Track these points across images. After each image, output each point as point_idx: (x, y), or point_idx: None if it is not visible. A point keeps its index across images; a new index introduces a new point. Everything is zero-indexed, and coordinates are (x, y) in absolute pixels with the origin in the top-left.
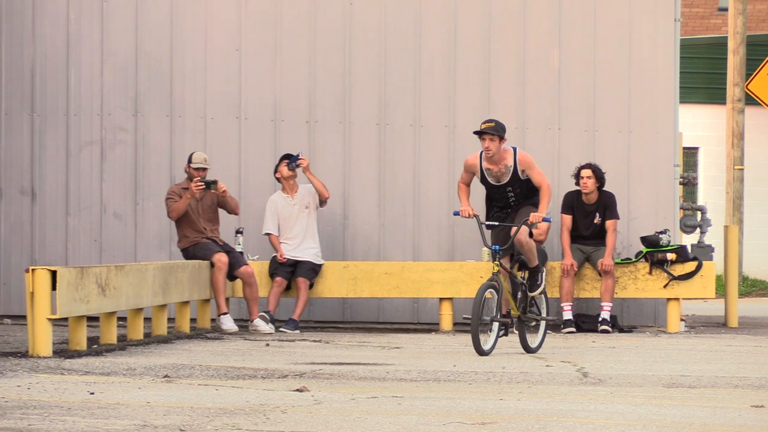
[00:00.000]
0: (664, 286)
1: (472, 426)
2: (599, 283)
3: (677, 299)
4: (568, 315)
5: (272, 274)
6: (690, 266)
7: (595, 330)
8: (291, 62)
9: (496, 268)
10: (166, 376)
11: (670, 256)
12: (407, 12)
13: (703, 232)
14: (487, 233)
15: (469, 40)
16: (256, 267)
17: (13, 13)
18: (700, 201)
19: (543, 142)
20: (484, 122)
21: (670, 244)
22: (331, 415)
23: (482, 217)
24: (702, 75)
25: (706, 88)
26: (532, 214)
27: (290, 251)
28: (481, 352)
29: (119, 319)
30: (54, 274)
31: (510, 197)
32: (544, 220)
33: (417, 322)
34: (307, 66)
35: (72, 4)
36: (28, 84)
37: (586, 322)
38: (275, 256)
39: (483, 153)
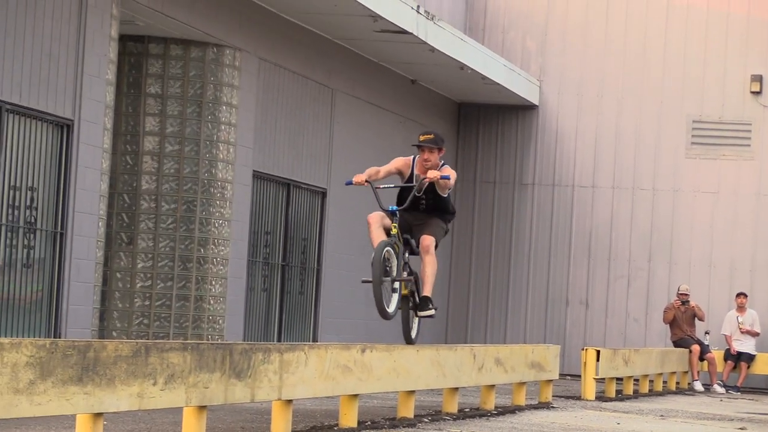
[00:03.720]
0: None
1: None
2: None
3: None
4: None
5: (726, 359)
6: None
7: None
8: (745, 230)
9: (395, 231)
10: (661, 415)
11: None
12: None
13: None
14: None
15: None
16: (717, 354)
17: (562, 203)
18: None
19: None
20: (423, 134)
21: None
22: None
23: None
24: None
25: None
26: (430, 171)
27: (737, 346)
28: (386, 315)
29: (634, 380)
30: (598, 352)
31: (422, 205)
32: (443, 177)
33: None
34: (752, 233)
35: (615, 194)
36: (587, 241)
37: None
38: (728, 349)
39: (417, 159)
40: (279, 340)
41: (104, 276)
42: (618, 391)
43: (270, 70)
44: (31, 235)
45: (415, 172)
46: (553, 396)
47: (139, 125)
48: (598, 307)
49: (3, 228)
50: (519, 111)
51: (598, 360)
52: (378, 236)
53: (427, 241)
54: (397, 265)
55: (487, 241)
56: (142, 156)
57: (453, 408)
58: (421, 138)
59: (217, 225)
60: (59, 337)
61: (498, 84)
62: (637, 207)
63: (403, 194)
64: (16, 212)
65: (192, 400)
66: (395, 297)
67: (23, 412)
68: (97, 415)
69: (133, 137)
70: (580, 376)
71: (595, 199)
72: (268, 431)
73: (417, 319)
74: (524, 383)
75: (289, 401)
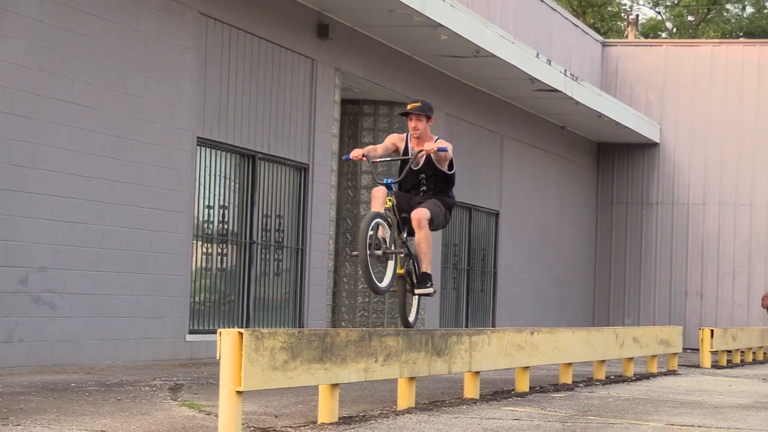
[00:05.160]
0: None
1: None
2: None
3: None
4: None
5: None
6: None
7: None
8: None
9: (389, 203)
10: (763, 378)
11: None
12: None
13: None
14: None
15: None
16: None
17: (679, 217)
18: None
19: None
20: (411, 102)
21: None
22: None
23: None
24: None
25: None
26: (426, 144)
27: None
28: (376, 289)
29: (741, 352)
30: (712, 331)
31: (422, 182)
32: (440, 149)
33: None
34: None
35: (721, 210)
36: (699, 246)
37: None
38: None
39: (409, 134)
40: (467, 327)
41: (334, 280)
42: (728, 361)
43: (454, 122)
44: (280, 251)
45: (410, 145)
46: (678, 365)
47: (358, 167)
48: (710, 297)
49: (258, 246)
50: (645, 148)
51: (712, 337)
52: (378, 209)
53: (418, 214)
54: (390, 236)
55: (623, 248)
56: (360, 190)
57: (601, 376)
58: (409, 106)
59: None
60: (303, 327)
61: (628, 128)
62: (738, 219)
63: (402, 169)
64: (267, 234)
65: (404, 373)
66: (389, 270)
67: (279, 384)
68: (334, 385)
69: (352, 176)
70: (698, 349)
71: (705, 214)
72: (462, 395)
73: (416, 300)
74: (655, 356)
75: (477, 372)
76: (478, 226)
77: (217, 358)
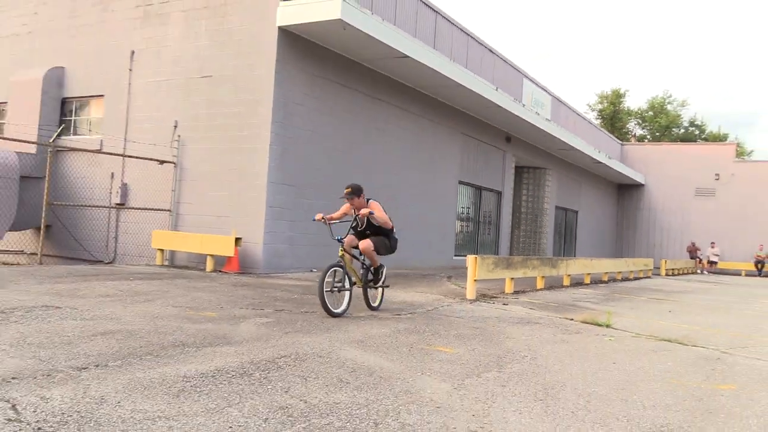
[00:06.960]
0: None
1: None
2: None
3: None
4: None
5: None
6: None
7: None
8: None
9: (341, 253)
10: (687, 279)
11: None
12: None
13: None
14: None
15: None
16: None
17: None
18: None
19: None
20: (346, 188)
21: None
22: None
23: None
24: None
25: None
26: (362, 210)
27: None
28: (331, 313)
29: (679, 270)
30: (665, 261)
31: (367, 234)
32: (370, 214)
33: None
34: None
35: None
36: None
37: None
38: None
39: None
40: (564, 256)
41: (511, 237)
42: (674, 273)
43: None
44: (489, 226)
45: (355, 213)
46: (651, 275)
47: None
48: (665, 247)
49: (481, 224)
50: (638, 186)
51: (665, 263)
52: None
53: (363, 244)
54: (342, 277)
55: (631, 227)
56: (522, 202)
57: (620, 278)
58: (345, 192)
59: None
60: (499, 255)
61: (631, 178)
62: (676, 212)
63: (351, 226)
64: (485, 219)
65: (540, 274)
66: (345, 300)
67: (490, 277)
68: (511, 279)
69: (517, 195)
70: (659, 268)
71: (663, 213)
72: (562, 284)
73: (380, 292)
74: (642, 270)
75: (569, 275)
76: (569, 220)
77: (466, 266)
